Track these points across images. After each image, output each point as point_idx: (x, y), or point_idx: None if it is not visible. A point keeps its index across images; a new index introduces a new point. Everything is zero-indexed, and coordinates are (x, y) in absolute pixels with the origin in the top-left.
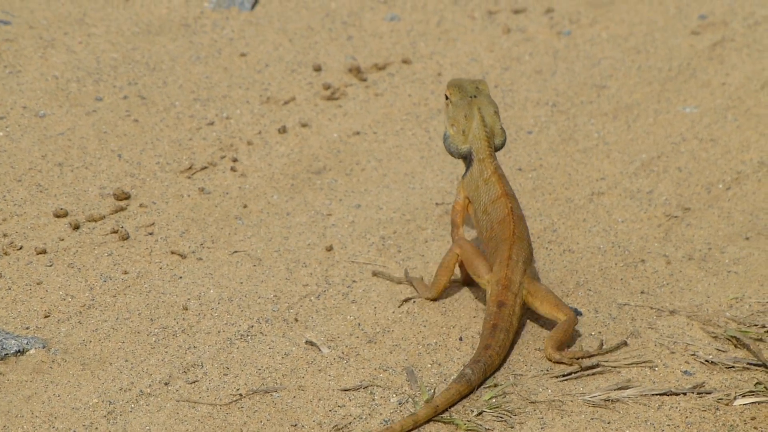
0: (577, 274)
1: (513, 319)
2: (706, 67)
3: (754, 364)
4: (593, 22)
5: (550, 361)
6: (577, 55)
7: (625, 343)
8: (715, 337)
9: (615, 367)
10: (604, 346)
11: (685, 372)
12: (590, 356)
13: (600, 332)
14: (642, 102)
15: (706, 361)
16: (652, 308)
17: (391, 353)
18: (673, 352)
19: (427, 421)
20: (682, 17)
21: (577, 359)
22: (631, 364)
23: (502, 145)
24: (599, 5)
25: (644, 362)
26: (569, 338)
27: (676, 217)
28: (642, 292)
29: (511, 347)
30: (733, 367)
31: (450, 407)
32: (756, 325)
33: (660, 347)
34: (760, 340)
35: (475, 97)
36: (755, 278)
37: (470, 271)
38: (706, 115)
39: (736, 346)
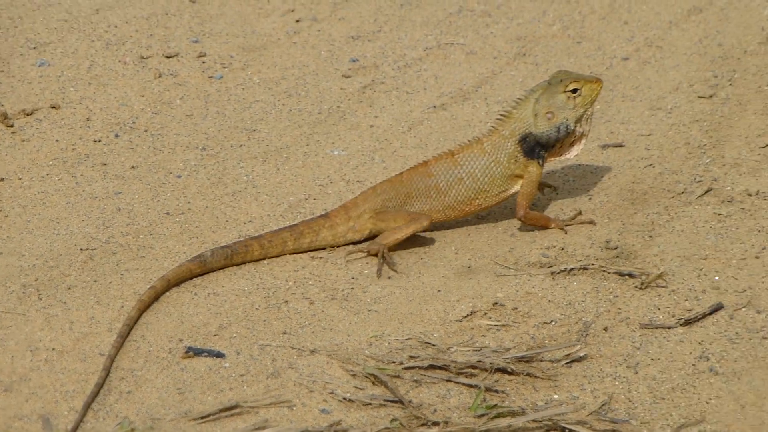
0: (221, 317)
1: (318, 235)
2: (356, 109)
3: (391, 401)
4: (245, 66)
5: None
6: (229, 98)
7: None
8: (354, 375)
9: (253, 407)
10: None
11: (323, 410)
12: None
13: (242, 375)
14: (292, 145)
15: (344, 398)
16: (293, 348)
17: (27, 402)
18: (312, 391)
19: (163, 293)
20: (334, 60)
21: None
22: (270, 404)
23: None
24: (252, 49)
25: (282, 402)
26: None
27: (320, 258)
28: (284, 333)
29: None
30: (370, 404)
31: (182, 282)
32: (394, 362)
33: (299, 386)
34: (398, 376)
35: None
36: (395, 316)
37: None
38: (354, 157)
39: (374, 384)
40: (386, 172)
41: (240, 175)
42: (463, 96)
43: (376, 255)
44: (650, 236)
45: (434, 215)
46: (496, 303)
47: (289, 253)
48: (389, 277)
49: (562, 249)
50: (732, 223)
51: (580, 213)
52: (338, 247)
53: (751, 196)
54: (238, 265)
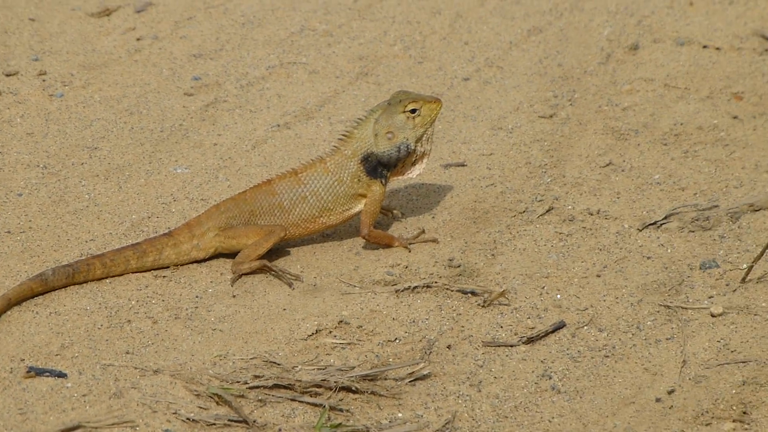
0: (63, 336)
1: (161, 253)
2: (198, 127)
3: (236, 421)
4: (86, 84)
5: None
6: (70, 117)
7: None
8: (198, 395)
9: (96, 427)
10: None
11: (167, 430)
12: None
13: (85, 395)
14: (134, 163)
15: (188, 419)
16: (136, 368)
17: None
18: (155, 411)
19: (3, 312)
20: (176, 79)
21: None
22: (113, 424)
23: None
24: (92, 67)
25: (126, 422)
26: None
27: (164, 277)
28: (127, 353)
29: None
30: (214, 424)
31: (23, 301)
32: (239, 382)
33: (142, 406)
34: (242, 396)
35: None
36: (240, 335)
37: None
38: (197, 175)
39: (218, 403)
40: (230, 190)
41: (82, 193)
42: (306, 115)
43: (248, 273)
44: (493, 254)
45: None
46: (341, 321)
47: (132, 272)
48: (234, 296)
49: (406, 267)
50: (573, 241)
51: (423, 231)
52: (182, 265)
53: (591, 215)
54: (80, 283)
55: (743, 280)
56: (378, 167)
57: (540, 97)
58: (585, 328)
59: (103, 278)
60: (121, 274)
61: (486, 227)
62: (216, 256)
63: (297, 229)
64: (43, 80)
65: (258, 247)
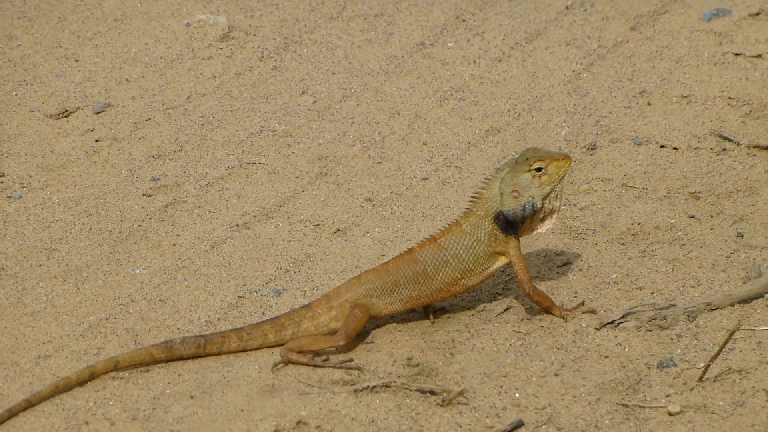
0: None
1: (300, 326)
2: (157, 228)
3: None
4: (45, 185)
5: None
6: (28, 218)
7: None
8: None
9: None
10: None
11: None
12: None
13: None
14: (92, 264)
15: None
16: None
17: None
18: None
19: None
20: (135, 179)
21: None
22: None
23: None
24: (51, 169)
25: None
26: (313, 350)
27: (122, 378)
28: None
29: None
30: None
31: (136, 366)
32: None
33: None
34: None
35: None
36: None
37: None
38: (155, 275)
39: None
40: (189, 290)
41: (40, 295)
42: (265, 214)
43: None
44: (451, 353)
45: (422, 300)
46: (299, 421)
47: (270, 346)
48: (192, 397)
49: (365, 366)
50: (531, 340)
51: (583, 303)
52: None
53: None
54: (209, 356)
55: (700, 379)
56: (508, 225)
57: None
58: (543, 427)
59: (237, 351)
60: (258, 348)
61: (444, 326)
62: None
63: (440, 294)
64: (1, 182)
65: (317, 343)
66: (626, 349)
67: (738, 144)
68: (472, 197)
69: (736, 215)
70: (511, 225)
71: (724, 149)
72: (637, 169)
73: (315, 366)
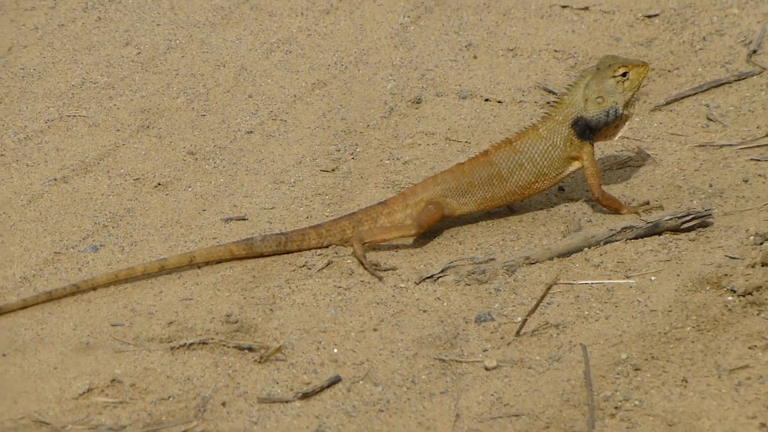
0: None
1: (376, 222)
2: None
3: None
4: None
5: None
6: None
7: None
8: None
9: None
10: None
11: None
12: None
13: None
14: None
15: None
16: None
17: None
18: None
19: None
20: None
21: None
22: None
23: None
24: None
25: None
26: (385, 238)
27: None
28: None
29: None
30: None
31: (208, 263)
32: None
33: None
34: None
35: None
36: (9, 395)
37: None
38: None
39: None
40: (4, 246)
41: None
42: (84, 168)
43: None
44: (271, 309)
45: (496, 202)
46: (114, 379)
47: (347, 241)
48: (3, 355)
49: (183, 323)
50: (351, 296)
51: (648, 202)
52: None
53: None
54: (290, 252)
55: (517, 333)
56: (586, 130)
57: (323, 151)
58: (360, 382)
59: (317, 247)
60: (337, 243)
61: (265, 282)
62: None
63: (513, 197)
64: None
65: (389, 232)
66: (445, 304)
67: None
68: (553, 102)
69: None
70: (589, 131)
71: (548, 102)
72: (461, 123)
73: (363, 265)
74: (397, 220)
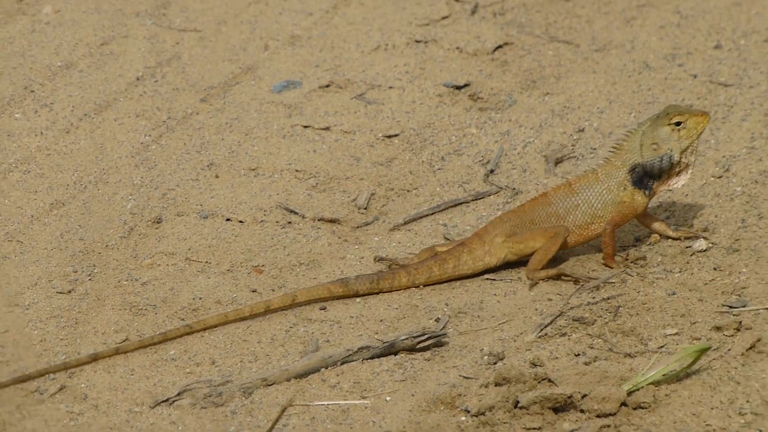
0: None
1: (460, 260)
2: None
3: None
4: None
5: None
6: None
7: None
8: None
9: None
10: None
11: None
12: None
13: None
14: None
15: None
16: None
17: None
18: None
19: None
20: None
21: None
22: None
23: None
24: None
25: None
26: (549, 258)
27: None
28: None
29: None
30: None
31: (312, 303)
32: None
33: None
34: None
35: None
36: None
37: None
38: None
39: None
40: None
41: None
42: None
43: (545, 280)
44: None
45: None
46: None
47: (435, 282)
48: None
49: None
50: (84, 421)
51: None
52: (478, 273)
53: (85, 399)
54: (383, 292)
55: None
56: (644, 178)
57: (59, 272)
58: None
59: (407, 287)
60: (425, 284)
61: None
62: (506, 261)
63: (571, 237)
64: None
65: (547, 252)
66: (180, 428)
67: (303, 217)
68: (612, 148)
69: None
70: (644, 179)
71: (290, 222)
72: (202, 243)
73: (565, 276)
74: (478, 256)
